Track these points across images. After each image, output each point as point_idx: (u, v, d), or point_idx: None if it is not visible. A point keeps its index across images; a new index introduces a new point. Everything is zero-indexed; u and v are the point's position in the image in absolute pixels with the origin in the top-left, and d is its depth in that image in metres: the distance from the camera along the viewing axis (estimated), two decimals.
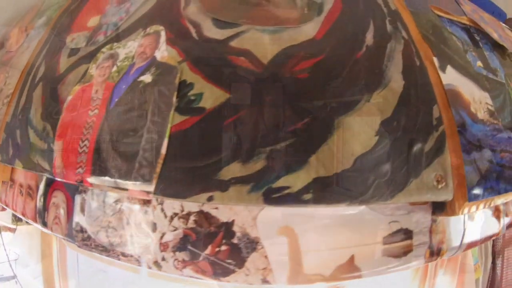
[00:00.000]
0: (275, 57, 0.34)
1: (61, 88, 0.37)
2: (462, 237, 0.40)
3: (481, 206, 0.39)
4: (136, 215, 0.35)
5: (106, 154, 0.33)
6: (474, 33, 0.45)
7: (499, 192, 0.39)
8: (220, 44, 0.35)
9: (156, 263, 0.34)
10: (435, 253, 0.39)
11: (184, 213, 0.34)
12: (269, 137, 0.31)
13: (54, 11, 0.45)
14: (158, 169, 0.31)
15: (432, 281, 0.54)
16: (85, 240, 0.35)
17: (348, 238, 0.34)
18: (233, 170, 0.30)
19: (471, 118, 0.39)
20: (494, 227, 0.43)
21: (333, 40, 0.36)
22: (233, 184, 0.30)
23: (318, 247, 0.33)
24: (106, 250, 0.35)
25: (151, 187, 0.31)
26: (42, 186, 0.37)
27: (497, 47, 0.46)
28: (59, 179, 0.34)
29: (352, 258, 0.35)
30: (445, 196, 0.36)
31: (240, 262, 0.33)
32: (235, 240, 0.33)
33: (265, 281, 0.33)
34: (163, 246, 0.34)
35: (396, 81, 0.37)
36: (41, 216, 0.36)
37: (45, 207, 0.36)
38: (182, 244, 0.34)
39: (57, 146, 0.34)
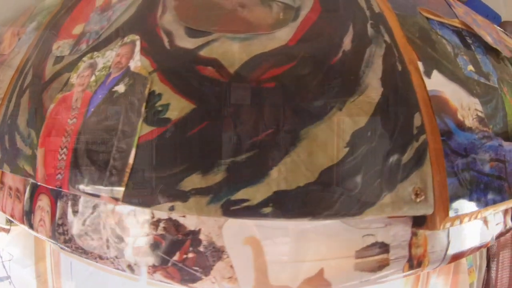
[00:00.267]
0: (242, 66, 0.33)
1: (45, 96, 0.38)
2: (446, 250, 0.38)
3: (466, 219, 0.37)
4: (111, 220, 0.36)
5: (81, 161, 0.35)
6: (466, 36, 0.42)
7: (486, 204, 0.37)
8: (190, 54, 0.35)
9: (129, 266, 0.36)
10: (415, 266, 0.37)
11: (154, 219, 0.35)
12: (230, 148, 0.31)
13: (44, 17, 0.47)
14: (126, 178, 0.32)
15: (425, 285, 0.52)
16: (66, 242, 0.37)
17: (317, 251, 0.34)
18: (194, 181, 0.31)
19: (457, 125, 0.37)
20: (483, 237, 0.41)
21: (307, 46, 0.35)
22: (193, 195, 0.31)
23: (284, 259, 0.33)
24: (85, 252, 0.37)
25: (119, 195, 0.33)
26: (28, 190, 0.39)
27: (491, 51, 0.43)
28: (41, 184, 0.36)
29: (321, 272, 0.34)
30: (424, 210, 0.34)
31: (207, 270, 0.34)
32: (201, 248, 0.34)
33: None
34: (136, 251, 0.35)
35: (373, 87, 0.35)
36: (28, 218, 0.39)
37: (32, 210, 0.39)
38: (152, 250, 0.35)
39: (40, 152, 0.37)
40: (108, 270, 0.40)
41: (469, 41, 0.42)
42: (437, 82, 0.38)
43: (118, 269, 0.36)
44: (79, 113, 0.36)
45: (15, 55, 0.45)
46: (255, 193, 0.30)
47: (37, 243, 0.51)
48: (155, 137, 0.32)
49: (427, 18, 0.41)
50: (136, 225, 0.35)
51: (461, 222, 0.37)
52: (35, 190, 0.39)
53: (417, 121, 0.35)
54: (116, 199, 0.33)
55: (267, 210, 0.30)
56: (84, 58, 0.39)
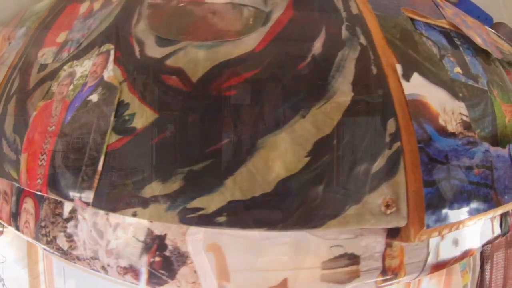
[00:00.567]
0: (205, 74, 0.33)
1: (29, 103, 0.41)
2: (425, 261, 0.36)
3: (445, 231, 0.34)
4: (87, 223, 0.38)
5: (58, 167, 0.37)
6: (455, 37, 0.38)
7: (470, 214, 0.34)
8: (157, 63, 0.35)
9: (103, 267, 0.37)
10: (389, 278, 0.36)
11: (125, 223, 0.36)
12: (188, 158, 0.31)
13: (33, 22, 0.48)
14: (95, 184, 0.34)
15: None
16: (48, 244, 0.40)
17: (280, 260, 0.33)
18: (154, 188, 0.31)
19: (438, 131, 0.34)
20: (468, 246, 0.38)
21: (273, 52, 0.35)
22: (152, 202, 0.31)
23: (246, 267, 0.33)
24: (65, 253, 0.39)
25: (89, 199, 0.34)
26: (15, 193, 0.42)
27: (481, 52, 0.39)
28: (25, 188, 0.39)
29: (285, 281, 0.34)
30: (395, 222, 0.33)
31: (172, 274, 0.34)
32: (167, 253, 0.34)
33: None
34: (108, 253, 0.37)
35: (343, 93, 0.34)
36: (15, 219, 0.42)
37: (18, 212, 0.42)
38: (123, 252, 0.36)
39: (23, 158, 0.39)
40: (95, 274, 0.42)
41: (458, 42, 0.38)
42: (417, 85, 0.35)
43: (93, 269, 0.38)
44: (58, 121, 0.38)
45: (5, 60, 0.47)
46: (210, 202, 0.30)
47: (30, 246, 0.53)
48: (121, 146, 0.33)
49: (412, 19, 0.38)
50: (108, 229, 0.37)
51: (439, 234, 0.34)
52: (21, 193, 0.42)
53: (391, 127, 0.33)
54: (87, 203, 0.34)
55: (222, 219, 0.30)
56: (65, 67, 0.41)
